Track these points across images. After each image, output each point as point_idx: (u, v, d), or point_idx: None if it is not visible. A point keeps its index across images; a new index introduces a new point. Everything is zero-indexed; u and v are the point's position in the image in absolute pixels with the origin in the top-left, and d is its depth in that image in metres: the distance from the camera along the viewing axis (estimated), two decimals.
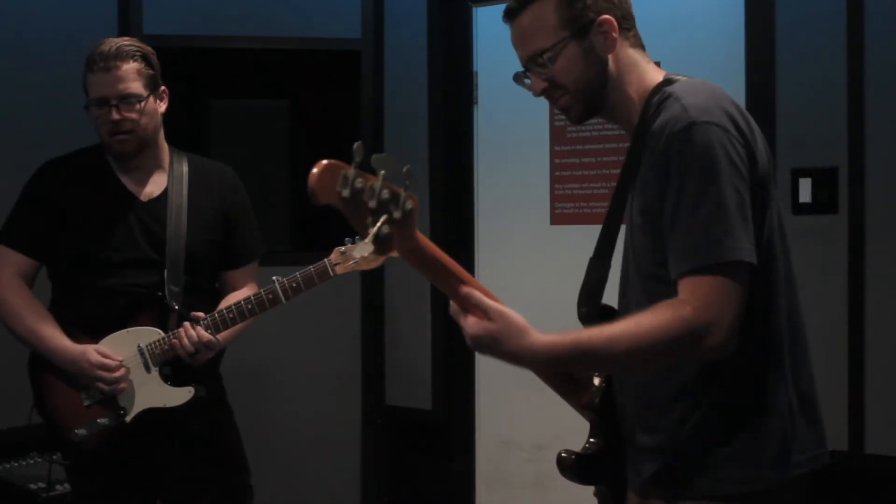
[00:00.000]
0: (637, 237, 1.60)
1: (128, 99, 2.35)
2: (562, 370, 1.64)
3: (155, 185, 2.48)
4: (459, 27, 3.82)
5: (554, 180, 3.71)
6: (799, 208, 3.06)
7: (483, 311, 1.49)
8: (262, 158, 3.86)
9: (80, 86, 3.71)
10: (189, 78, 3.53)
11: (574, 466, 1.67)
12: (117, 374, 2.34)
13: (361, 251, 1.34)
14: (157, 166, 2.50)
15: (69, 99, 3.53)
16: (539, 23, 1.64)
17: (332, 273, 2.40)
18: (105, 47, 2.36)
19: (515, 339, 1.48)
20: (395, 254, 1.45)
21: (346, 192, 1.32)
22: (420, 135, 3.82)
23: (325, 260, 2.40)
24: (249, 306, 2.40)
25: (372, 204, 1.33)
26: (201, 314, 2.40)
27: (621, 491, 1.69)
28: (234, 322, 2.40)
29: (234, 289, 2.60)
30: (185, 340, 2.35)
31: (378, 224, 1.33)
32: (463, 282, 1.51)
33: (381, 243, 1.34)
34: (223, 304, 2.50)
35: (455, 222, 3.81)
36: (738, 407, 1.53)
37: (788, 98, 3.11)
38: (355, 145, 1.33)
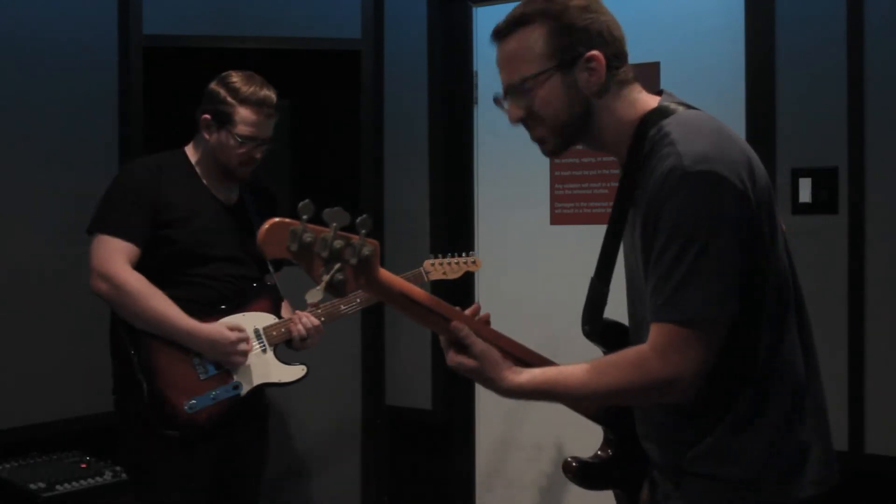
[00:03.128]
0: (628, 259, 1.61)
1: (270, 141, 2.73)
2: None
3: (232, 194, 2.78)
4: (459, 27, 3.83)
5: (554, 180, 3.72)
6: (799, 208, 3.06)
7: (465, 348, 1.60)
8: (262, 158, 3.86)
9: (80, 86, 3.71)
10: (189, 78, 3.53)
11: (579, 472, 1.69)
12: (250, 345, 2.61)
13: (313, 297, 1.47)
14: None
15: (69, 98, 3.54)
16: (527, 49, 1.59)
17: (425, 278, 3.05)
18: (266, 94, 2.68)
19: (489, 379, 1.61)
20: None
21: (294, 247, 1.45)
22: (420, 135, 3.82)
23: (420, 268, 3.04)
24: (358, 300, 2.78)
25: (324, 254, 1.45)
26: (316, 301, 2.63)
27: (635, 493, 1.69)
28: (344, 314, 2.78)
29: None
30: (300, 326, 2.68)
31: (331, 272, 1.46)
32: (445, 316, 1.61)
33: (334, 289, 1.47)
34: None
35: (455, 222, 3.81)
36: (751, 428, 1.52)
37: (788, 98, 3.11)
38: (301, 204, 1.43)
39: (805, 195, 3.07)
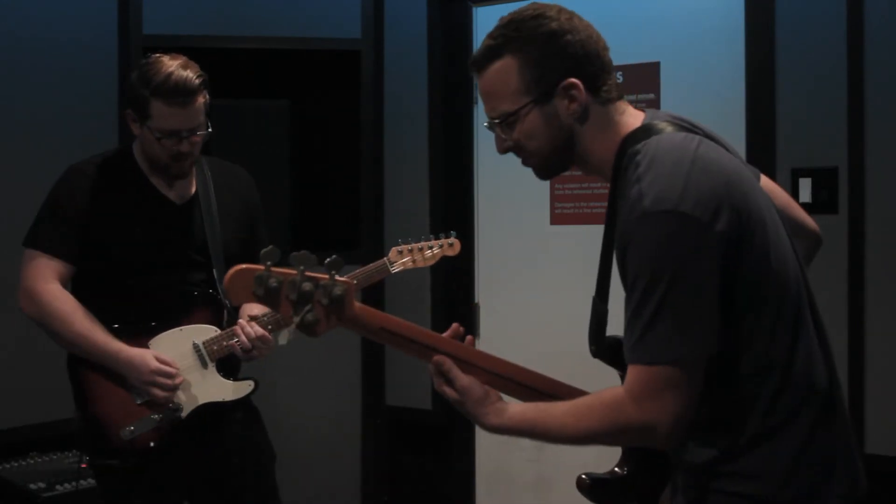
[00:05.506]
0: None
1: (196, 131, 2.39)
2: None
3: (185, 188, 2.51)
4: (459, 27, 3.83)
5: (554, 180, 3.71)
6: None
7: (448, 381, 1.60)
8: (262, 158, 3.86)
9: (80, 86, 3.71)
10: None
11: (593, 490, 1.67)
12: (176, 381, 2.37)
13: (282, 339, 1.53)
14: None
15: (69, 98, 3.54)
16: (502, 84, 1.56)
17: (390, 270, 2.63)
18: (178, 79, 2.33)
19: (469, 413, 1.59)
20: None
21: (259, 291, 1.49)
22: (420, 135, 3.82)
23: (385, 258, 2.63)
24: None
25: (293, 297, 1.49)
26: (257, 311, 2.45)
27: None
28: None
29: None
30: (244, 337, 2.40)
31: (301, 314, 1.49)
32: (430, 346, 1.61)
33: (306, 328, 1.51)
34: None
35: (455, 222, 3.81)
36: (771, 442, 1.47)
37: (788, 98, 3.11)
38: (263, 252, 1.48)
39: (805, 195, 3.07)
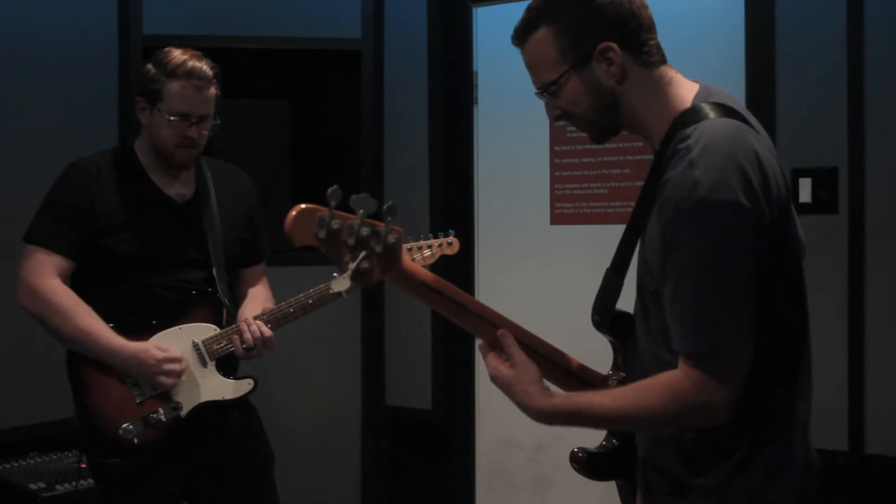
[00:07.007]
0: (641, 257, 1.59)
1: (206, 119, 2.44)
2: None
3: (185, 188, 2.53)
4: (459, 27, 3.83)
5: (554, 180, 3.72)
6: (799, 208, 3.03)
7: (507, 357, 1.58)
8: (262, 158, 3.86)
9: (81, 86, 3.71)
10: None
11: (586, 463, 1.68)
12: (181, 366, 2.39)
13: (339, 286, 1.43)
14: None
15: (69, 98, 3.54)
16: (541, 55, 1.60)
17: None
18: (195, 65, 2.40)
19: (525, 391, 1.56)
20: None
21: (322, 234, 1.42)
22: (420, 135, 3.82)
23: None
24: (310, 301, 2.49)
25: (351, 241, 1.43)
26: (260, 309, 2.49)
27: (636, 483, 1.69)
28: (294, 317, 2.49)
29: (251, 285, 2.69)
30: (247, 335, 2.42)
31: (357, 260, 1.42)
32: (474, 313, 1.59)
33: (360, 277, 1.44)
34: (249, 300, 2.60)
35: (455, 222, 3.81)
36: (730, 433, 1.50)
37: (788, 98, 3.11)
38: (330, 190, 1.40)
39: (805, 195, 3.07)
